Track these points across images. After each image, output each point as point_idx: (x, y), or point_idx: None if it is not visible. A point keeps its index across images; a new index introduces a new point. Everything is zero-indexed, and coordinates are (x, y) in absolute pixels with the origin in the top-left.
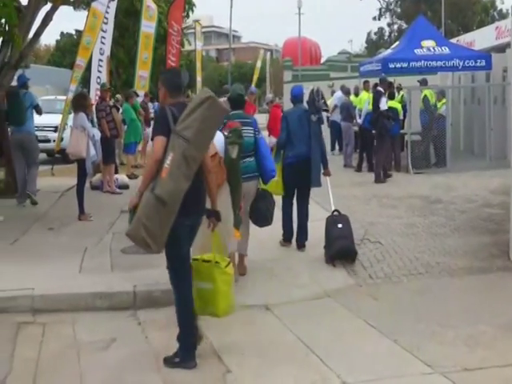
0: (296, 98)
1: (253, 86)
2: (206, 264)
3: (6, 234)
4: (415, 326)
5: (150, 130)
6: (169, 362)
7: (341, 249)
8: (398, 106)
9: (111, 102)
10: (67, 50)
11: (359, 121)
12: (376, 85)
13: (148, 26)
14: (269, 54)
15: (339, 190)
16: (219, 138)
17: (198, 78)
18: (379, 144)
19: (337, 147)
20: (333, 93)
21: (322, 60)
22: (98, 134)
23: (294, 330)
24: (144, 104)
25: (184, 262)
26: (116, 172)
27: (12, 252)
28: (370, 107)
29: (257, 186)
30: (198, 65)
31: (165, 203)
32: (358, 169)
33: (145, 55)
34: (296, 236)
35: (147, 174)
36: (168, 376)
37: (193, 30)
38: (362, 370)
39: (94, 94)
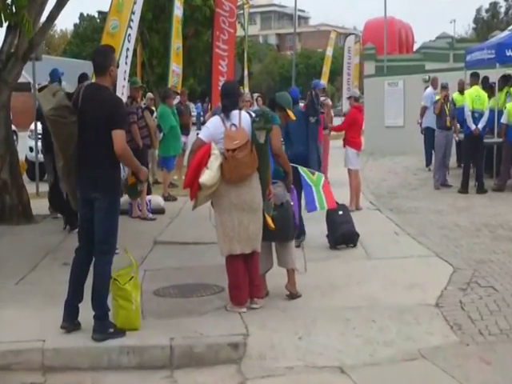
0: (293, 99)
1: (321, 80)
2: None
3: (11, 270)
4: None
5: (190, 139)
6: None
7: (345, 232)
8: None
9: (143, 103)
10: (88, 37)
11: (472, 126)
12: (486, 78)
13: (179, 9)
14: (352, 37)
15: (437, 216)
16: (247, 121)
17: (246, 72)
18: None
19: (433, 161)
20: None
21: (415, 47)
22: None
23: None
24: (181, 106)
25: (79, 223)
26: (149, 192)
27: (17, 293)
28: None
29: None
30: (246, 55)
31: None
32: (463, 189)
33: (177, 45)
34: None
35: None
36: None
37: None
38: None
39: (119, 93)
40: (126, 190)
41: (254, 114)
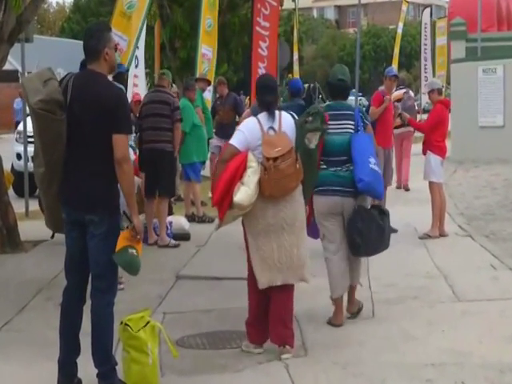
0: (296, 92)
1: (393, 66)
2: (119, 326)
3: None
4: None
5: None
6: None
7: None
8: None
9: None
10: (91, 12)
11: None
12: None
13: None
14: (428, 11)
15: None
16: (289, 123)
17: (296, 56)
18: None
19: None
20: None
21: None
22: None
23: None
24: (221, 99)
25: (67, 254)
26: (170, 212)
27: (1, 342)
28: None
29: (353, 204)
30: (296, 34)
31: None
32: None
33: (208, 22)
34: None
35: None
36: None
37: None
38: None
39: (131, 84)
40: None
41: (295, 115)
